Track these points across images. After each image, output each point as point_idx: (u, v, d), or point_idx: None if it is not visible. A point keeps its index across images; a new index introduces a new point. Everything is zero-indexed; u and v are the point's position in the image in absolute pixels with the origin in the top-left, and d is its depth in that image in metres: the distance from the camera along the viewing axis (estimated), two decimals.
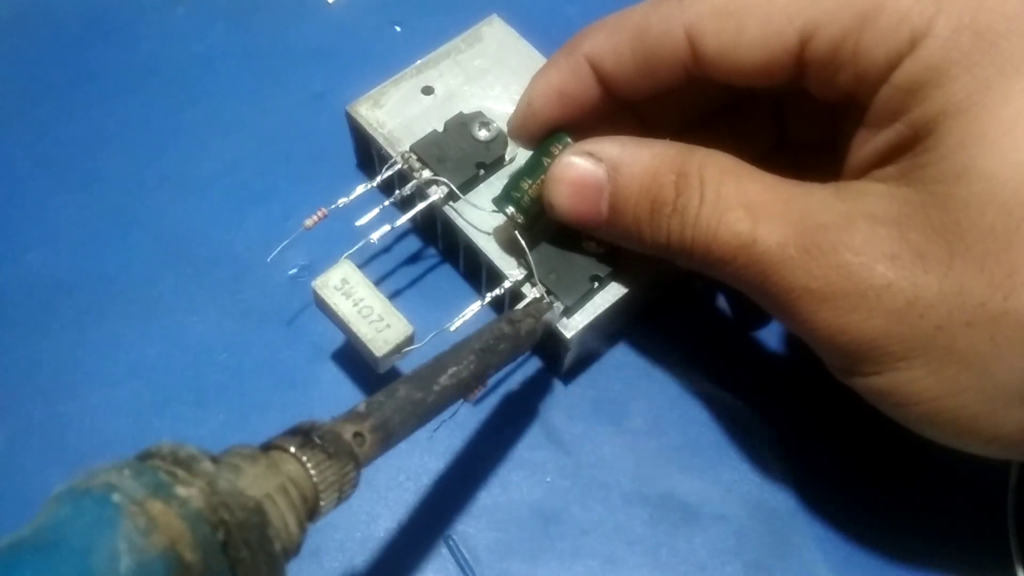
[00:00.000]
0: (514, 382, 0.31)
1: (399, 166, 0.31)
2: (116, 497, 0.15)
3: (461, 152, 0.31)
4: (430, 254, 0.34)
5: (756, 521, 0.29)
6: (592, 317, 0.29)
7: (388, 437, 0.21)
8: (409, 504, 0.29)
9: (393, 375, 0.31)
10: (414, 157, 0.31)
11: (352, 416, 0.21)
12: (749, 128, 0.30)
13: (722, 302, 0.33)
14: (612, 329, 0.32)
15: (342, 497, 0.19)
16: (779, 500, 0.30)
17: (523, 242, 0.29)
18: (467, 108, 0.33)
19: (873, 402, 0.25)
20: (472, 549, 0.29)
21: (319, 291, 0.28)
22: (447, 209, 0.31)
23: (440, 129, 0.32)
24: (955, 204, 0.22)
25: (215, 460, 0.17)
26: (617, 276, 0.30)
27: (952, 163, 0.22)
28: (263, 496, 0.17)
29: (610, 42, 0.26)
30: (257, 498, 0.17)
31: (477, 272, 0.31)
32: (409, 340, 0.28)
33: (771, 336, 0.33)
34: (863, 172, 0.25)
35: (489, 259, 0.30)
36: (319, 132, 0.36)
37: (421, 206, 0.30)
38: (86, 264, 0.33)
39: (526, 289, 0.29)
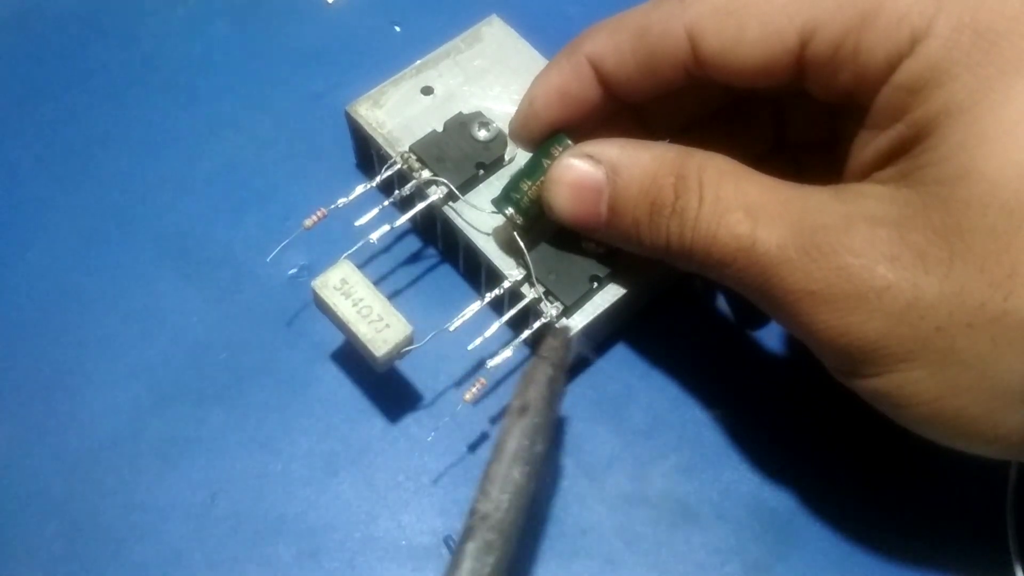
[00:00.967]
0: (514, 382, 0.31)
1: (398, 166, 0.31)
2: None
3: (461, 152, 0.31)
4: (430, 254, 0.34)
5: (756, 521, 0.29)
6: (592, 317, 0.29)
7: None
8: (409, 504, 0.29)
9: (393, 375, 0.31)
10: (413, 157, 0.31)
11: None
12: (749, 130, 0.30)
13: (722, 302, 0.33)
14: (612, 329, 0.32)
15: None
16: (779, 500, 0.30)
17: (522, 244, 0.29)
18: (467, 108, 0.32)
19: (873, 403, 0.24)
20: None
21: (318, 291, 0.28)
22: (446, 209, 0.31)
23: (440, 129, 0.32)
24: (956, 205, 0.22)
25: None
26: (616, 276, 0.30)
27: (953, 164, 0.22)
28: None
29: (611, 42, 0.26)
30: None
31: (476, 272, 0.31)
32: (408, 340, 0.28)
33: (771, 336, 0.33)
34: (864, 173, 0.25)
35: (488, 259, 0.30)
36: (319, 132, 0.36)
37: (421, 206, 0.30)
38: (86, 264, 0.33)
39: (525, 289, 0.29)
